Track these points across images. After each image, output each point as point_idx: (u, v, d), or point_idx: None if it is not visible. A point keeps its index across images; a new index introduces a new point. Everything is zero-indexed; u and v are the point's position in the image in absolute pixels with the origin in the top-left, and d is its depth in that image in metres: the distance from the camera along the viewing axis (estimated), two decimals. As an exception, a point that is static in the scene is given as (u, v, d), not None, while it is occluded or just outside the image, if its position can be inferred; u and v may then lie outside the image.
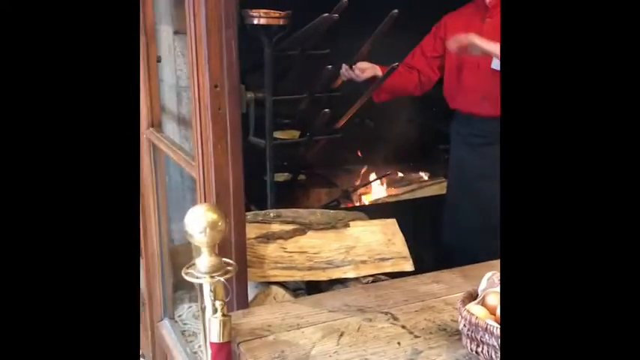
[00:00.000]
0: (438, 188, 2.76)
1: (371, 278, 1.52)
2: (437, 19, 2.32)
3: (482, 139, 2.18)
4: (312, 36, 2.09)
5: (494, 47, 1.94)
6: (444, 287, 1.32)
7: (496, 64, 2.07)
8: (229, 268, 1.07)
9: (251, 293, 1.45)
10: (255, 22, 1.98)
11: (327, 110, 2.07)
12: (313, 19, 2.01)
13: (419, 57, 2.33)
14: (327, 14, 1.97)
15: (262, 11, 1.99)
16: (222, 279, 1.05)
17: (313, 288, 1.57)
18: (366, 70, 2.21)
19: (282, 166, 2.49)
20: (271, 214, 1.57)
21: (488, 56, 2.05)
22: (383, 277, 1.53)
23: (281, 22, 1.99)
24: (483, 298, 1.08)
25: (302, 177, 2.64)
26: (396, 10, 2.04)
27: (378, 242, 1.57)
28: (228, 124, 1.19)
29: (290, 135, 2.41)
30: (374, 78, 2.21)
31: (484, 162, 2.15)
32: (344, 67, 2.22)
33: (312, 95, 2.21)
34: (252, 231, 1.47)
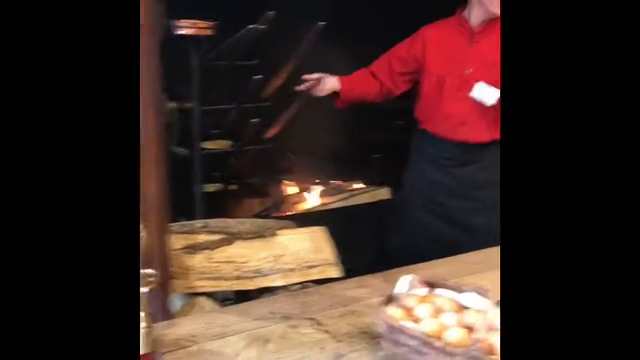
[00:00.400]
0: (369, 196, 2.82)
1: (299, 286, 1.54)
2: (365, 30, 2.36)
3: (453, 161, 2.15)
4: (239, 47, 2.11)
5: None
6: (367, 292, 1.36)
7: (477, 92, 2.04)
8: (150, 279, 1.06)
9: (177, 305, 1.43)
10: (183, 32, 1.98)
11: (255, 120, 2.08)
12: (241, 30, 2.03)
13: (383, 69, 2.22)
14: (254, 25, 1.99)
15: (190, 22, 1.99)
16: (144, 289, 1.04)
17: (242, 298, 1.57)
18: (326, 87, 2.16)
19: (214, 176, 2.48)
20: (198, 225, 1.56)
21: (469, 82, 2.05)
22: (311, 284, 1.55)
23: (208, 32, 1.99)
24: (402, 300, 1.12)
25: (233, 187, 2.64)
26: (321, 23, 2.08)
27: (306, 250, 1.59)
28: (150, 134, 1.19)
29: (220, 145, 2.40)
30: (334, 93, 2.18)
31: (454, 182, 2.15)
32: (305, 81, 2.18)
33: (241, 105, 2.23)
34: (178, 242, 1.46)
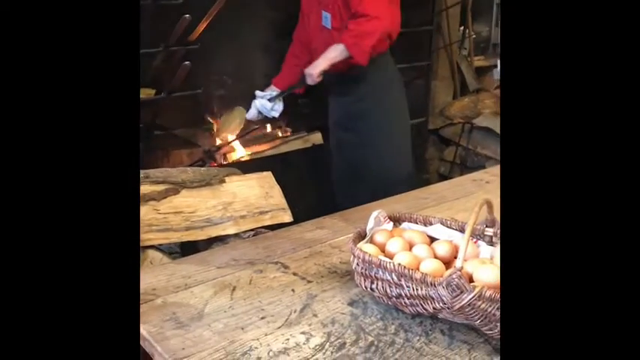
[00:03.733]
0: (302, 142, 2.77)
1: (252, 232, 1.49)
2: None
3: (335, 91, 2.25)
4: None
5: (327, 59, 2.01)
6: (327, 232, 1.34)
7: (325, 20, 2.10)
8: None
9: (125, 260, 1.34)
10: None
11: (187, 63, 1.95)
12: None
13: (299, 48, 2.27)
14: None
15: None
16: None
17: (189, 249, 1.50)
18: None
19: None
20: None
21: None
22: (263, 230, 1.51)
23: (128, -33, 1.82)
24: (372, 236, 1.10)
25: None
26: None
27: (256, 196, 1.53)
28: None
29: (144, 93, 2.25)
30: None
31: (341, 113, 2.25)
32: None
33: (168, 48, 2.08)
34: (120, 194, 1.36)
